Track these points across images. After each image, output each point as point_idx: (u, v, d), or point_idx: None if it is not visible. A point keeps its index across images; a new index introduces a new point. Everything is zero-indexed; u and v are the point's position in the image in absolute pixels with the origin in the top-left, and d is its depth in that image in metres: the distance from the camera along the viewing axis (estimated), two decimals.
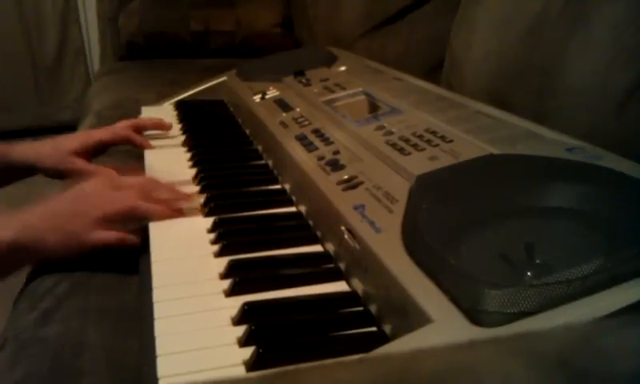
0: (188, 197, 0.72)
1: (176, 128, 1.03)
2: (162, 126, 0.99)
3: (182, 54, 1.87)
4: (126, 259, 0.65)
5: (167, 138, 0.99)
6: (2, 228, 0.61)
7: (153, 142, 0.95)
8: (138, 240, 0.65)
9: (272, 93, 1.00)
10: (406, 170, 0.59)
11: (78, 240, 0.63)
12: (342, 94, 0.88)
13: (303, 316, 0.51)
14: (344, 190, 0.61)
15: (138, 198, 0.67)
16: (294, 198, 0.73)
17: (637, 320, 0.32)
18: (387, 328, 0.47)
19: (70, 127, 1.38)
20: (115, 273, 0.65)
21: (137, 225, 0.67)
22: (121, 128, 0.95)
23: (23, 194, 0.68)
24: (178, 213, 0.69)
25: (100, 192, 0.67)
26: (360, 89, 0.88)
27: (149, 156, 0.91)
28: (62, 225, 0.63)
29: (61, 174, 0.88)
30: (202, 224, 0.66)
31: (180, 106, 1.16)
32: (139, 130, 0.97)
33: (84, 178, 0.70)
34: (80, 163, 0.87)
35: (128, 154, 0.96)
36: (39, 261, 0.69)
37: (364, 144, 0.68)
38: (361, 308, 0.51)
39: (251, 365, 0.44)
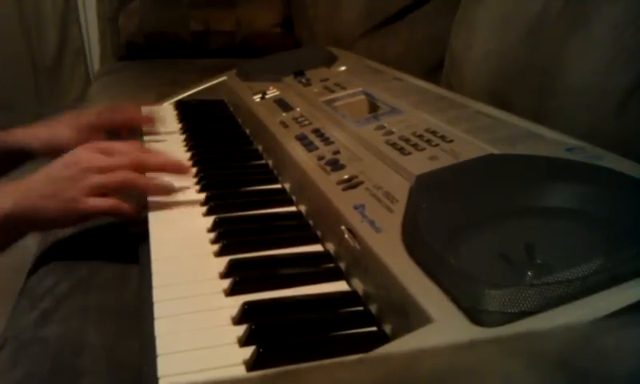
0: (179, 163, 0.72)
1: (176, 128, 1.03)
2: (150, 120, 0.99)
3: (182, 54, 1.87)
4: (126, 259, 0.65)
5: (167, 137, 0.99)
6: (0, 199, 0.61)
7: (152, 143, 0.95)
8: (131, 208, 0.65)
9: (272, 93, 1.00)
10: (406, 169, 0.59)
11: (74, 206, 0.63)
12: (342, 93, 0.88)
13: (303, 316, 0.51)
14: (344, 189, 0.61)
15: (130, 165, 0.67)
16: (293, 198, 0.73)
17: (637, 320, 0.32)
18: (387, 328, 0.47)
19: None
20: (115, 272, 0.65)
21: (133, 196, 0.68)
22: (115, 114, 0.95)
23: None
24: (173, 190, 0.70)
25: (92, 157, 0.67)
26: (360, 89, 0.88)
27: None
28: (57, 191, 0.63)
29: (54, 153, 0.87)
30: (202, 223, 0.66)
31: (180, 106, 1.16)
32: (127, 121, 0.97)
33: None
34: (73, 142, 0.87)
35: None
36: (39, 230, 0.69)
37: (364, 144, 0.68)
38: (361, 308, 0.51)
39: (251, 365, 0.44)
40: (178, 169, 0.73)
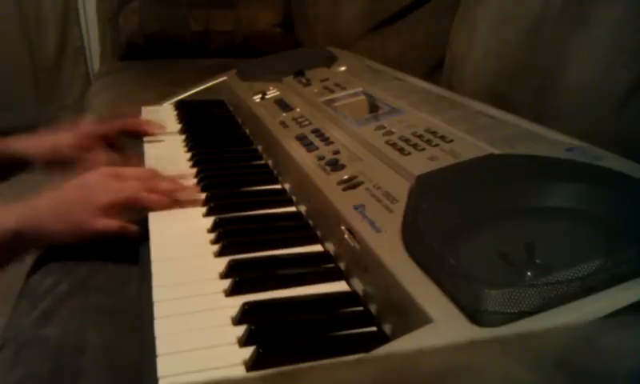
0: (187, 188, 0.73)
1: (176, 128, 1.03)
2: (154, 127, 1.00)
3: (182, 54, 1.87)
4: (126, 259, 0.65)
5: (167, 137, 0.99)
6: (5, 216, 0.62)
7: (152, 143, 0.95)
8: (137, 230, 0.66)
9: (272, 93, 1.00)
10: (406, 169, 0.59)
11: (81, 227, 0.64)
12: (342, 93, 0.88)
13: (303, 316, 0.51)
14: (344, 189, 0.61)
15: (140, 188, 0.68)
16: (294, 198, 0.73)
17: (637, 320, 0.32)
18: (387, 328, 0.47)
19: None
20: (115, 272, 0.65)
21: (136, 215, 0.68)
22: (116, 121, 0.95)
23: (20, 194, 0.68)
24: (178, 203, 0.70)
25: (103, 181, 0.68)
26: (360, 89, 0.88)
27: (148, 156, 0.91)
28: (65, 213, 0.64)
29: (56, 165, 0.88)
30: (202, 224, 0.66)
31: (180, 106, 1.16)
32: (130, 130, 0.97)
33: (86, 169, 0.71)
34: (70, 151, 0.87)
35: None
36: (42, 247, 0.69)
37: (364, 144, 0.68)
38: (361, 308, 0.51)
39: (251, 365, 0.44)
40: (187, 194, 0.73)
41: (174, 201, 0.70)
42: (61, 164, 0.89)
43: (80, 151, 0.87)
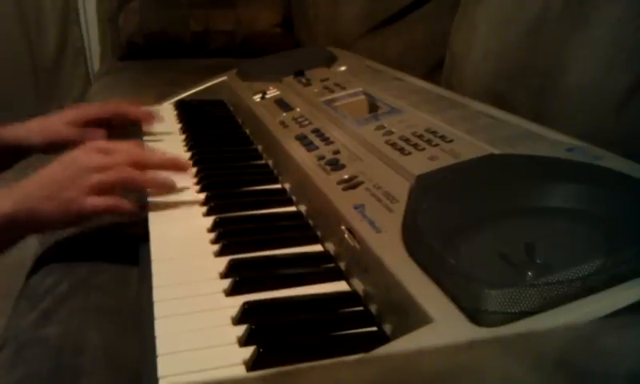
0: (178, 161, 0.72)
1: (176, 128, 1.03)
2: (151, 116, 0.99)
3: (182, 54, 1.87)
4: (126, 259, 0.65)
5: (167, 137, 0.99)
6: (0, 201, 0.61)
7: (152, 143, 0.95)
8: (131, 206, 0.65)
9: (272, 93, 1.00)
10: (406, 169, 0.59)
11: (73, 207, 0.63)
12: (342, 93, 0.88)
13: (303, 316, 0.51)
14: (344, 189, 0.61)
15: (129, 163, 0.67)
16: (293, 198, 0.73)
17: (637, 320, 0.32)
18: (387, 328, 0.47)
19: None
20: (115, 272, 0.65)
21: (132, 194, 0.68)
22: (112, 102, 0.95)
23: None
24: (173, 187, 0.70)
25: (91, 157, 0.67)
26: (360, 89, 0.88)
27: None
28: (56, 192, 0.63)
29: (53, 147, 0.87)
30: (202, 223, 0.66)
31: (180, 106, 1.16)
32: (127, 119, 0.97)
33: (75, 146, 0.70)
34: (66, 130, 0.87)
35: None
36: (39, 231, 0.69)
37: (364, 144, 0.68)
38: (361, 308, 0.51)
39: (251, 365, 0.44)
40: (177, 166, 0.73)
41: (168, 183, 0.69)
42: (57, 148, 0.87)
43: (75, 133, 0.87)
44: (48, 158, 0.88)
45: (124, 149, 0.69)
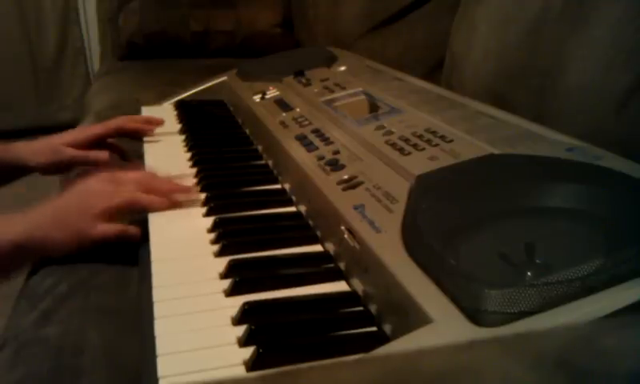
0: (186, 188, 0.73)
1: (176, 128, 1.03)
2: (152, 122, 0.99)
3: (182, 54, 1.87)
4: (126, 259, 0.65)
5: (167, 137, 0.99)
6: (9, 228, 0.62)
7: (152, 143, 0.95)
8: (138, 232, 0.66)
9: (272, 93, 1.00)
10: (406, 169, 0.59)
11: (80, 235, 0.64)
12: (342, 93, 0.88)
13: (303, 316, 0.51)
14: (344, 189, 0.61)
15: (138, 191, 0.68)
16: (293, 198, 0.73)
17: (637, 320, 0.32)
18: (387, 328, 0.47)
19: (70, 127, 1.38)
20: (115, 273, 0.65)
21: (137, 216, 0.68)
22: (113, 120, 0.96)
23: (23, 196, 0.68)
24: (177, 204, 0.70)
25: (102, 187, 0.68)
26: (360, 89, 0.88)
27: (148, 156, 0.91)
28: (66, 222, 0.65)
29: (56, 168, 0.89)
30: (202, 224, 0.66)
31: (180, 106, 1.16)
32: (132, 131, 0.97)
33: (82, 172, 0.71)
34: (70, 151, 0.87)
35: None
36: (48, 256, 0.70)
37: (364, 144, 0.68)
38: (361, 308, 0.51)
39: (251, 365, 0.44)
40: (185, 194, 0.73)
41: (172, 202, 0.70)
42: (60, 168, 0.89)
43: (79, 154, 0.88)
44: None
45: (135, 178, 0.71)
